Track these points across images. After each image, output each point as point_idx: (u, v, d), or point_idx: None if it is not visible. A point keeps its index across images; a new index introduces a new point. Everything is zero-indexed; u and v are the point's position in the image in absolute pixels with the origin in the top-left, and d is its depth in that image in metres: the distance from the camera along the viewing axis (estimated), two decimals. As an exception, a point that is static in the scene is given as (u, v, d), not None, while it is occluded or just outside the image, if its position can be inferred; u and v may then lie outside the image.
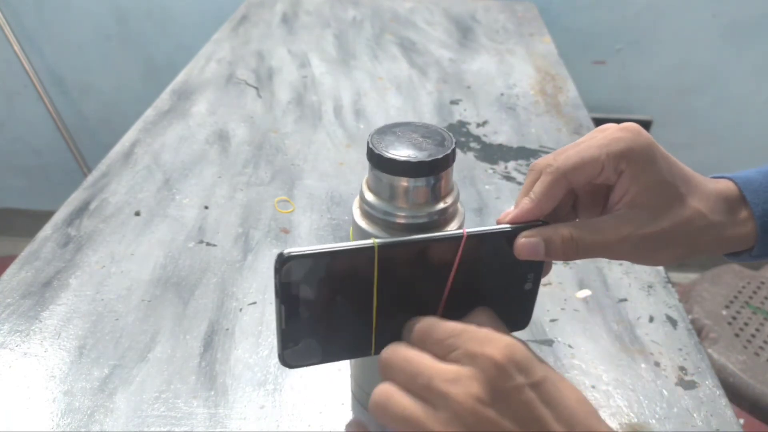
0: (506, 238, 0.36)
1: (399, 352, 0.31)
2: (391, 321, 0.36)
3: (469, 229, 0.35)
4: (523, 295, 0.38)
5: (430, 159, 0.34)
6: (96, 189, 0.74)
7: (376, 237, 0.36)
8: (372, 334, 0.36)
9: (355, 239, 0.39)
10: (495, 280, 0.37)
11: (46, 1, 1.56)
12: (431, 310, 0.36)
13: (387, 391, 0.30)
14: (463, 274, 0.35)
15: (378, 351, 0.36)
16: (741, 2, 1.47)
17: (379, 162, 0.35)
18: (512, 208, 0.37)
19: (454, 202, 0.37)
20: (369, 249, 0.33)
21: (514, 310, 0.39)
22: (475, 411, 0.27)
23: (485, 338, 0.30)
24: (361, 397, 0.48)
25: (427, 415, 0.28)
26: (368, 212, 0.37)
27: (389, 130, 0.37)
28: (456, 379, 0.28)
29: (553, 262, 0.39)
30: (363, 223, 0.37)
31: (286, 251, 0.32)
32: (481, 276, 0.36)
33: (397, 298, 0.35)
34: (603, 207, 0.38)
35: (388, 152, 0.35)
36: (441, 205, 0.36)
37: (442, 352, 0.30)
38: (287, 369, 0.51)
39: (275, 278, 0.32)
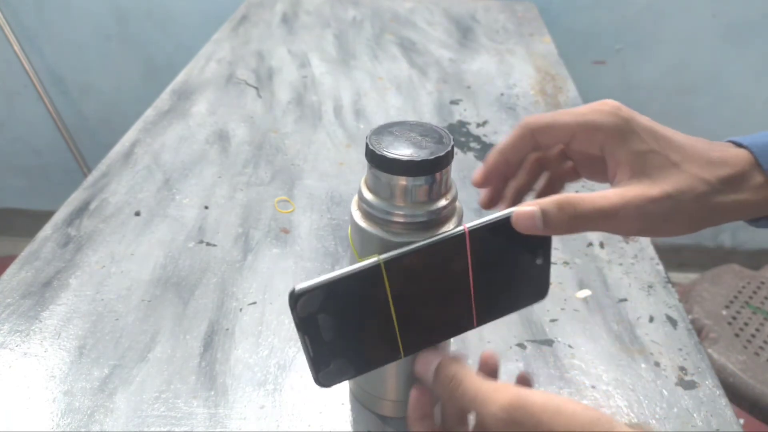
0: (508, 223, 0.36)
1: None
2: (414, 323, 0.36)
3: (469, 224, 0.35)
4: (536, 269, 0.39)
5: (433, 157, 0.34)
6: (96, 189, 0.74)
7: (377, 236, 0.36)
8: (398, 341, 0.36)
9: (354, 239, 0.39)
10: (507, 263, 0.38)
11: (46, 1, 1.56)
12: (455, 304, 0.37)
13: None
14: (477, 264, 0.36)
15: (407, 353, 0.37)
16: (741, 2, 1.47)
17: (381, 162, 0.35)
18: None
19: (453, 200, 0.37)
20: (375, 267, 0.33)
21: (531, 283, 0.39)
22: None
23: None
24: (360, 396, 0.48)
25: None
26: (368, 212, 0.37)
27: (386, 130, 0.37)
28: None
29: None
30: (363, 223, 0.37)
31: (297, 288, 0.32)
32: (494, 263, 0.37)
33: (416, 301, 0.36)
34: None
35: (389, 152, 0.35)
36: (442, 203, 0.36)
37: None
38: (287, 369, 0.51)
39: (293, 314, 0.33)
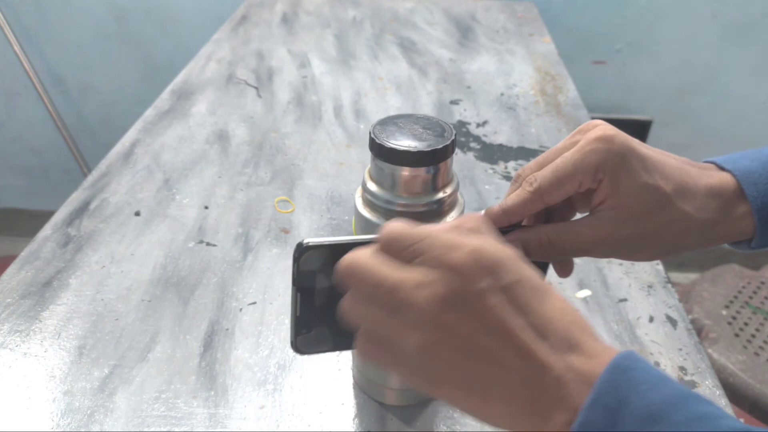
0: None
1: (361, 261, 0.29)
2: None
3: None
4: None
5: (429, 149, 0.35)
6: (96, 189, 0.74)
7: (380, 226, 0.36)
8: None
9: (357, 228, 0.39)
10: None
11: (46, 1, 1.56)
12: None
13: (351, 300, 0.30)
14: None
15: None
16: (741, 2, 1.47)
17: (380, 151, 0.36)
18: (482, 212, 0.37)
19: (453, 192, 0.38)
20: None
21: None
22: (437, 314, 0.27)
23: (451, 243, 0.28)
24: (363, 384, 0.48)
25: (391, 320, 0.28)
26: (370, 201, 0.38)
27: (391, 121, 0.38)
28: (420, 285, 0.27)
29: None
30: (365, 212, 0.38)
31: (305, 241, 0.32)
32: None
33: None
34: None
35: (389, 142, 0.35)
36: (440, 195, 0.37)
37: (408, 257, 0.29)
38: (287, 369, 0.51)
39: (293, 267, 0.33)
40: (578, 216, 0.39)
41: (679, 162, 0.37)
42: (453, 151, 0.36)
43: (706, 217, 0.36)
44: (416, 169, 0.35)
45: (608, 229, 0.35)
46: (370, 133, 0.37)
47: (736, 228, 0.37)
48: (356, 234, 0.40)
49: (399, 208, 0.36)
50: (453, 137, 0.36)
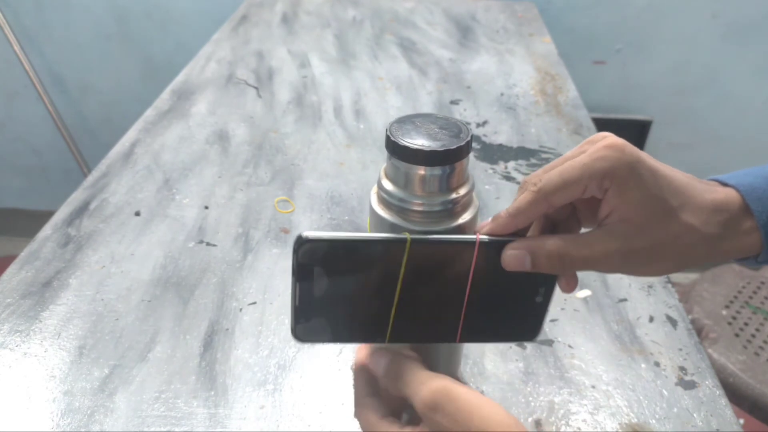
0: None
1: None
2: (407, 313, 0.37)
3: (482, 236, 0.36)
4: (533, 307, 0.39)
5: (442, 149, 0.35)
6: (96, 189, 0.74)
7: (393, 223, 0.37)
8: (389, 323, 0.37)
9: (371, 225, 0.39)
10: (506, 289, 0.38)
11: (46, 1, 1.56)
12: (445, 312, 0.37)
13: None
14: (478, 279, 0.36)
15: (392, 340, 0.37)
16: (741, 2, 1.47)
17: (394, 149, 0.36)
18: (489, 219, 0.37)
19: (468, 193, 0.38)
20: (400, 242, 0.34)
21: (524, 320, 0.39)
22: None
23: None
24: None
25: None
26: (384, 199, 0.38)
27: (409, 120, 0.38)
28: None
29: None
30: (379, 209, 0.38)
31: (304, 234, 0.33)
32: (493, 283, 0.37)
33: (416, 293, 0.36)
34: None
35: (403, 140, 0.35)
36: (454, 195, 0.37)
37: None
38: (287, 369, 0.51)
39: (293, 257, 0.33)
40: (584, 231, 0.38)
41: (686, 177, 0.37)
42: (467, 153, 0.36)
43: (713, 231, 0.36)
44: (429, 168, 0.36)
45: (619, 241, 0.35)
46: (386, 131, 0.37)
47: (743, 243, 0.37)
48: (370, 231, 0.40)
49: (414, 207, 0.37)
50: (468, 138, 0.36)
